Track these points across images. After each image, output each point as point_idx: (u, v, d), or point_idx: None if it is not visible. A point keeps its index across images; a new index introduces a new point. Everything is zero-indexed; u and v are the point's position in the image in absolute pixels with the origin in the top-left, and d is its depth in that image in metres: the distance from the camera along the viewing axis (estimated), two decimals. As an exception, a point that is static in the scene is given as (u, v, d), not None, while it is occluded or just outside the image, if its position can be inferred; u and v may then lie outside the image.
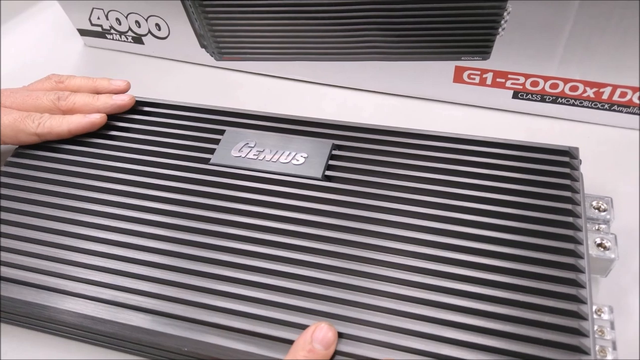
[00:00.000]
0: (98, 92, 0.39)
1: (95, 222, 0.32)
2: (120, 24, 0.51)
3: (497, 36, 0.38)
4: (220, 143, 0.35)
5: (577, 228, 0.28)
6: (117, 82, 0.39)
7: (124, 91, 0.39)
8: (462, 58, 0.41)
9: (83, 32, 0.54)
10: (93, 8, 0.50)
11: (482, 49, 0.39)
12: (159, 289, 0.29)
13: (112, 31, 0.52)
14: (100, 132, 0.37)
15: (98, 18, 0.51)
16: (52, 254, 0.31)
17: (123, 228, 0.31)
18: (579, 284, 0.26)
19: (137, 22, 0.50)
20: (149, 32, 0.50)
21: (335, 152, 0.34)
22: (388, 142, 0.34)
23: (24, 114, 0.36)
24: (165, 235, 0.31)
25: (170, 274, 0.29)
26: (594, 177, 0.34)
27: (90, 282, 0.30)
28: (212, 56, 0.49)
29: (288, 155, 0.34)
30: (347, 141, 0.35)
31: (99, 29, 0.52)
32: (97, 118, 0.36)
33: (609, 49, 0.36)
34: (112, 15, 0.50)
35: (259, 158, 0.34)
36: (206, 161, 0.35)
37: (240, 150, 0.35)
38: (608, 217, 0.31)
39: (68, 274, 0.30)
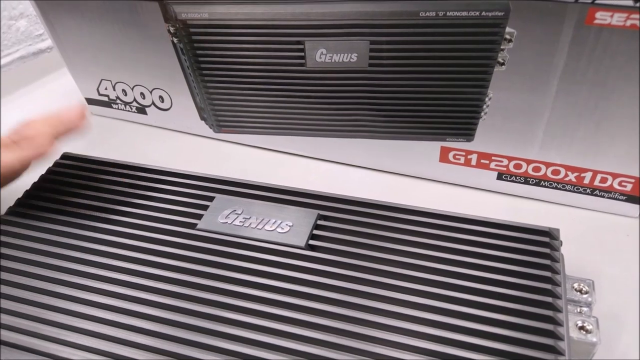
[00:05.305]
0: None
1: (77, 282, 0.32)
2: (126, 94, 0.53)
3: (480, 120, 0.40)
4: (208, 209, 0.36)
5: (556, 309, 0.28)
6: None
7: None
8: (447, 139, 0.42)
9: (90, 101, 0.57)
10: (102, 79, 0.53)
11: (466, 131, 0.41)
12: (141, 354, 0.28)
13: (118, 101, 0.55)
14: (91, 193, 0.38)
15: (105, 89, 0.54)
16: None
17: (106, 290, 0.31)
18: (558, 367, 0.26)
19: (142, 93, 0.52)
20: (153, 103, 0.53)
21: (320, 222, 0.35)
22: (373, 215, 0.35)
23: None
24: (148, 299, 0.31)
25: (154, 340, 0.29)
26: (575, 259, 0.34)
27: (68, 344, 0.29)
28: (210, 128, 0.52)
29: (273, 223, 0.34)
30: (332, 212, 0.35)
31: (106, 98, 0.55)
32: (45, 146, 0.34)
33: (586, 135, 0.38)
34: (119, 87, 0.53)
35: (245, 225, 0.34)
36: (193, 226, 0.35)
37: (227, 217, 0.35)
38: (590, 299, 0.31)
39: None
